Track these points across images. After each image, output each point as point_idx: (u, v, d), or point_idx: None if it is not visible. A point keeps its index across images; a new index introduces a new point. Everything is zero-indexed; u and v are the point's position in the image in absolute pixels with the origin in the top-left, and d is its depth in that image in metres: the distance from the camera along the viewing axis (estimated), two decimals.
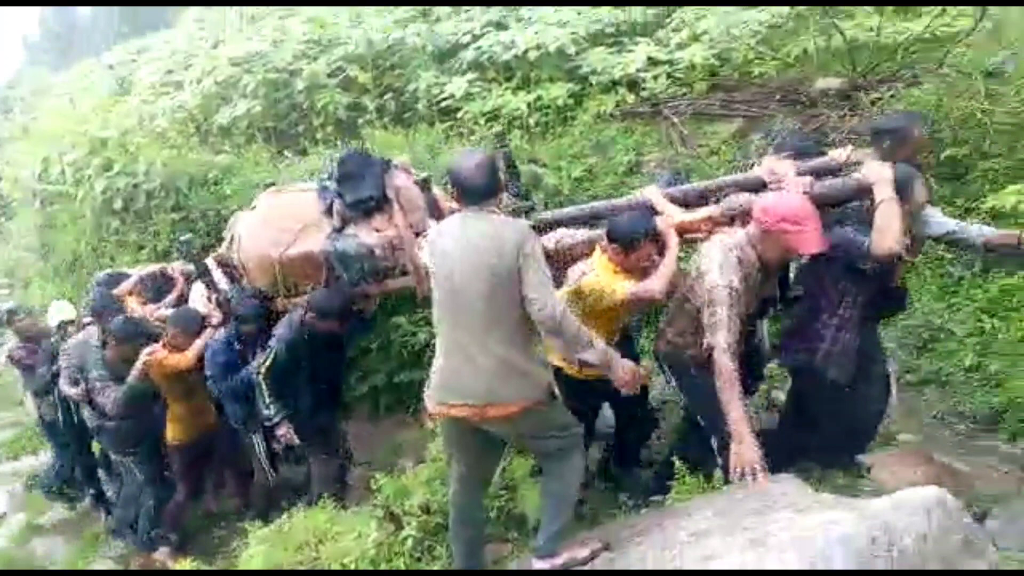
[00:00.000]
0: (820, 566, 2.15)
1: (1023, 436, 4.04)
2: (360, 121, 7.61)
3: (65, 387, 5.03)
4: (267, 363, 4.35)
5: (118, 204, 6.89)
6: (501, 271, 2.83)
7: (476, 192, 2.92)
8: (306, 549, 3.98)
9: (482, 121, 6.82)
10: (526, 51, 7.05)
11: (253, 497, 5.32)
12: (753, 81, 6.77)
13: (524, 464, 3.92)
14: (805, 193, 3.42)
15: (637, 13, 7.76)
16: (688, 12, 7.44)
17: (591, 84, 6.89)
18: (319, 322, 4.31)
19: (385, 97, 7.75)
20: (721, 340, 3.13)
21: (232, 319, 4.67)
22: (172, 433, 4.98)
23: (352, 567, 3.72)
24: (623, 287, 3.55)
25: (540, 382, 2.97)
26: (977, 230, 3.61)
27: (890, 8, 6.44)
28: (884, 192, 3.27)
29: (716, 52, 6.86)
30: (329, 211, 4.44)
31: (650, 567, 2.71)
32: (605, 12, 7.67)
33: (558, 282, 3.58)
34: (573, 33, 7.20)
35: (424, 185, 4.50)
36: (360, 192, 4.38)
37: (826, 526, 2.28)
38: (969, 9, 6.09)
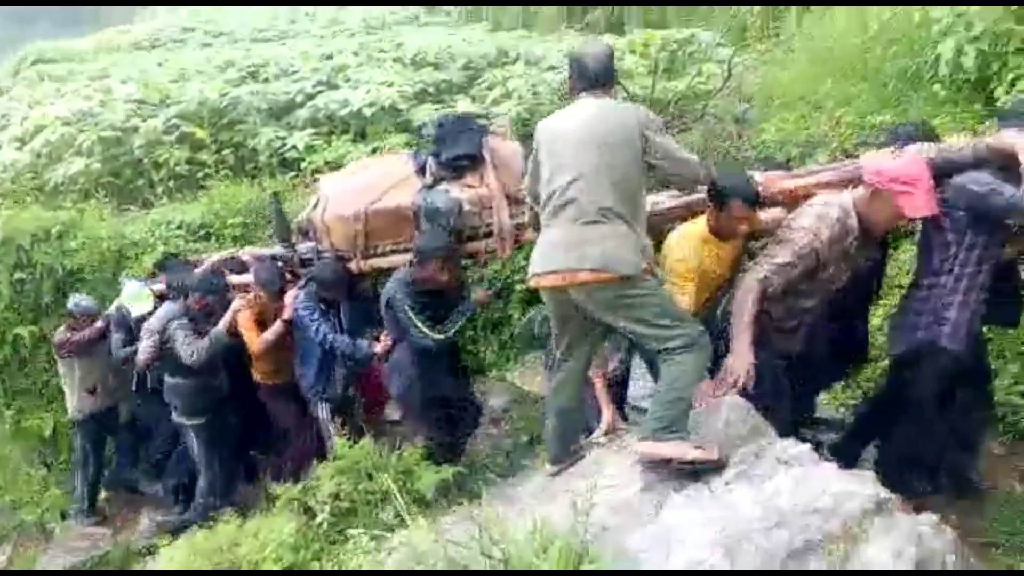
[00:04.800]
0: None
1: None
2: (200, 175, 7.98)
3: (141, 355, 5.10)
4: (412, 316, 4.20)
5: None
6: (614, 141, 2.91)
7: (593, 76, 3.04)
8: (222, 552, 4.40)
9: (326, 170, 7.49)
10: (360, 108, 7.87)
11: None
12: None
13: (416, 452, 4.60)
14: (927, 159, 3.14)
15: (453, 74, 8.88)
16: (497, 73, 8.63)
17: (423, 136, 7.80)
18: (423, 269, 4.21)
19: (224, 152, 8.18)
20: (761, 274, 3.04)
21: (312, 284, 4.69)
22: (260, 376, 5.18)
23: (272, 556, 4.20)
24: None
25: (638, 258, 2.89)
26: None
27: (660, 69, 7.97)
28: None
29: (526, 107, 8.04)
30: (422, 170, 4.45)
31: None
32: (426, 74, 8.70)
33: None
34: (400, 91, 8.13)
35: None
36: (456, 149, 4.34)
37: None
38: (718, 69, 7.72)
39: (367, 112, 7.82)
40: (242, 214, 7.02)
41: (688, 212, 3.65)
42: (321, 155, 7.64)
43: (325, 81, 8.73)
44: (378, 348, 4.56)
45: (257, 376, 5.25)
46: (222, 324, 4.97)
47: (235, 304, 4.98)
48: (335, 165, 7.60)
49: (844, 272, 3.22)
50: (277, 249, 5.14)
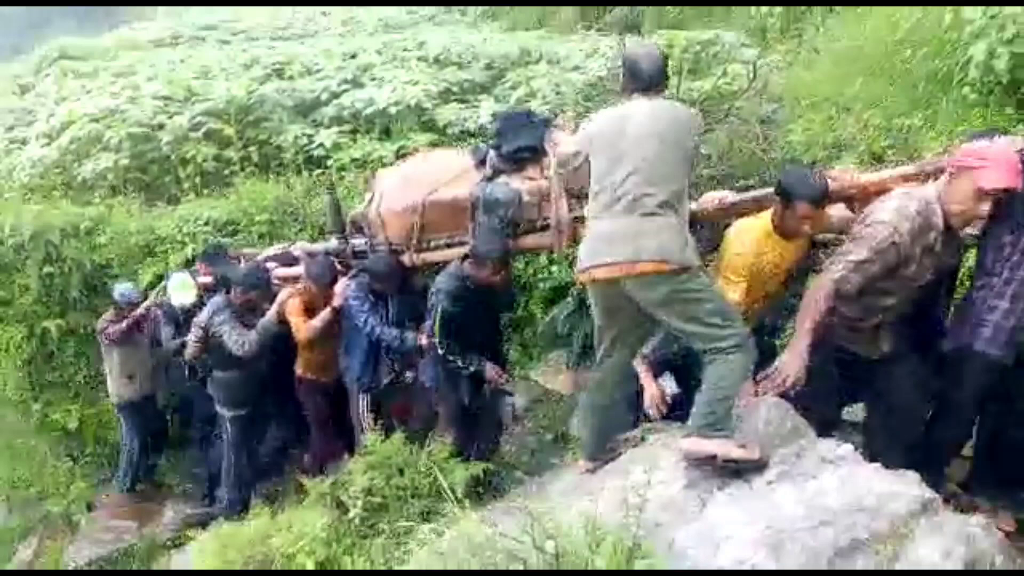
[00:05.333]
0: None
1: None
2: (227, 172, 8.04)
3: (189, 349, 5.21)
4: (437, 322, 4.24)
5: None
6: (669, 139, 2.98)
7: (648, 78, 3.12)
8: (254, 545, 4.46)
9: (353, 168, 7.54)
10: (385, 107, 7.91)
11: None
12: None
13: (446, 448, 4.64)
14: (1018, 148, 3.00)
15: (476, 74, 8.91)
16: (520, 73, 8.65)
17: (447, 134, 7.84)
18: (477, 270, 4.21)
19: (249, 149, 8.24)
20: (836, 274, 2.94)
21: (363, 275, 4.73)
22: (302, 369, 5.19)
23: (306, 550, 4.25)
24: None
25: (686, 252, 2.93)
26: None
27: (685, 70, 7.96)
28: None
29: (550, 106, 8.06)
30: (481, 163, 4.43)
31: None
32: (450, 73, 8.73)
33: (715, 243, 3.64)
34: (425, 89, 8.17)
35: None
36: (517, 141, 4.32)
37: None
38: (743, 71, 7.71)
39: (392, 110, 7.87)
40: (268, 211, 7.07)
41: (756, 208, 3.61)
42: (347, 153, 7.69)
43: (350, 79, 8.77)
44: (423, 340, 4.56)
45: (300, 370, 5.26)
46: (271, 313, 4.99)
47: (283, 293, 4.99)
48: (360, 163, 7.67)
49: (928, 269, 3.05)
50: (331, 243, 5.15)
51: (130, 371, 6.13)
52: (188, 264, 6.48)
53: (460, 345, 4.36)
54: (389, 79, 8.48)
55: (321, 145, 7.81)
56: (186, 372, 5.73)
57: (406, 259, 4.54)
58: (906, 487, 2.52)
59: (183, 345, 5.46)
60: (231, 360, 5.14)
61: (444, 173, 4.46)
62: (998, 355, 3.03)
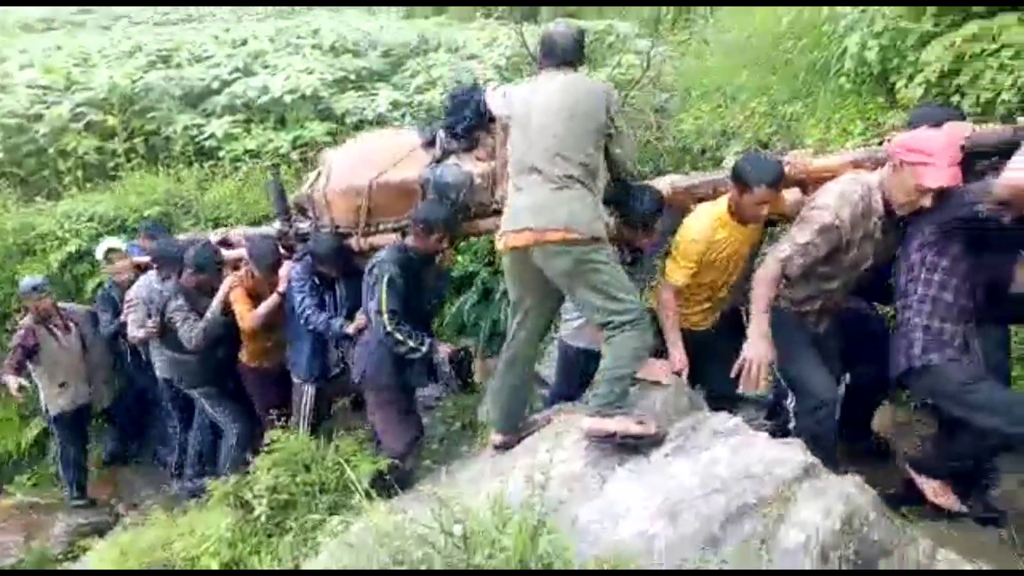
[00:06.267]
0: None
1: None
2: (112, 164, 7.67)
3: (135, 331, 4.97)
4: (383, 294, 3.96)
5: None
6: (579, 112, 3.06)
7: (559, 52, 3.22)
8: (154, 551, 4.31)
9: (247, 159, 7.33)
10: (280, 95, 7.71)
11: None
12: None
13: (353, 443, 4.60)
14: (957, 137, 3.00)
15: (374, 62, 8.80)
16: (420, 61, 8.61)
17: (345, 123, 7.72)
18: (423, 240, 4.05)
19: (135, 140, 7.88)
20: (782, 255, 2.98)
21: (308, 258, 4.55)
22: (247, 357, 5.05)
23: (210, 552, 4.14)
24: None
25: (594, 224, 3.03)
26: None
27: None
28: None
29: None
30: (430, 144, 4.31)
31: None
32: (346, 61, 8.59)
33: (675, 228, 3.64)
34: (321, 78, 8.01)
35: None
36: (465, 113, 4.16)
37: None
38: (637, 61, 7.92)
39: (287, 99, 7.68)
40: (160, 204, 6.80)
41: (713, 193, 3.67)
42: (241, 143, 7.47)
43: (241, 67, 8.50)
44: (350, 329, 4.43)
45: (244, 358, 5.11)
46: (216, 303, 4.85)
47: (227, 281, 4.86)
48: (255, 153, 7.47)
49: (868, 255, 3.11)
50: (275, 225, 4.96)
51: (61, 380, 5.74)
52: (70, 260, 6.16)
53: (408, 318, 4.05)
54: (283, 67, 8.28)
55: (213, 135, 7.57)
56: (130, 358, 5.61)
57: (353, 243, 4.41)
58: (791, 453, 2.69)
59: (123, 326, 5.28)
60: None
61: (393, 154, 4.31)
62: (939, 361, 2.97)
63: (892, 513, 2.64)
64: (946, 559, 2.56)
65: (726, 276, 3.58)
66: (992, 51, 4.47)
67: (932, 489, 3.11)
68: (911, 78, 4.98)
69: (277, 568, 3.81)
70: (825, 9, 5.79)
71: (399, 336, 3.96)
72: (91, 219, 6.83)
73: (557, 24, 3.42)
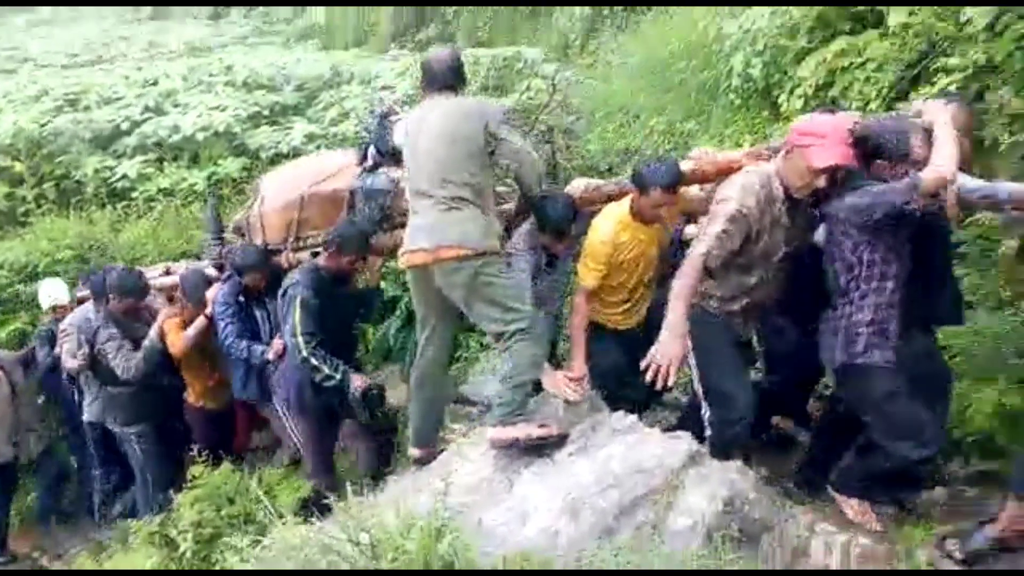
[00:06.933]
0: None
1: None
2: (21, 211, 7.54)
3: (68, 360, 4.83)
4: (296, 315, 3.97)
5: None
6: (459, 136, 3.19)
7: (439, 78, 3.34)
8: None
9: (162, 198, 7.29)
10: (192, 133, 7.73)
11: None
12: None
13: (276, 473, 4.64)
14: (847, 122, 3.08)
15: (287, 96, 8.89)
16: (333, 93, 8.72)
17: (260, 158, 7.76)
18: (336, 260, 4.10)
19: (44, 185, 7.76)
20: (702, 249, 2.98)
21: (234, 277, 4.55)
22: (192, 397, 5.03)
23: None
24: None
25: (486, 239, 3.18)
26: (1004, 187, 3.03)
27: (491, 86, 8.35)
28: (940, 120, 2.93)
29: (363, 126, 8.18)
30: (363, 159, 4.40)
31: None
32: (259, 96, 8.65)
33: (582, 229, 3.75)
34: (234, 114, 8.05)
35: None
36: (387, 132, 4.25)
37: None
38: (544, 85, 8.21)
39: (200, 137, 7.70)
40: (72, 247, 6.72)
41: (620, 193, 3.74)
42: (155, 183, 7.44)
43: (152, 107, 8.48)
44: (270, 354, 4.42)
45: (191, 397, 5.09)
46: (152, 334, 4.80)
47: (162, 313, 4.85)
48: (169, 192, 7.44)
49: (780, 243, 3.14)
50: (211, 252, 5.03)
51: None
52: None
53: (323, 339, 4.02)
54: (195, 105, 8.29)
55: (125, 176, 7.52)
56: (73, 394, 5.43)
57: (282, 259, 4.44)
58: (679, 444, 2.89)
59: (56, 360, 5.18)
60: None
61: (326, 169, 4.50)
62: (879, 360, 2.98)
63: (773, 493, 2.85)
64: (824, 531, 2.79)
65: (637, 276, 3.72)
66: (859, 64, 4.86)
67: (852, 509, 3.09)
68: (792, 92, 5.35)
69: None
70: (712, 30, 6.16)
71: (314, 362, 3.97)
72: (1, 267, 6.70)
73: (435, 51, 3.60)
